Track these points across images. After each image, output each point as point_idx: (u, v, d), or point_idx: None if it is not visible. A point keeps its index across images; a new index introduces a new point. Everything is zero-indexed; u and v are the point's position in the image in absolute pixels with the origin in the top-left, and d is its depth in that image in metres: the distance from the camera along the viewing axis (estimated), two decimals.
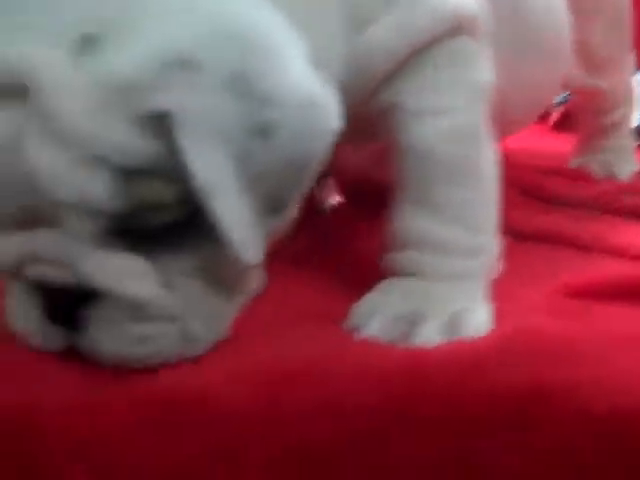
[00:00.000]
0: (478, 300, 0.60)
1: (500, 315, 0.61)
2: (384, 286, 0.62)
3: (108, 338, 0.49)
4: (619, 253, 0.76)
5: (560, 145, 1.14)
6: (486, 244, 0.63)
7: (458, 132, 0.61)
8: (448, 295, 0.60)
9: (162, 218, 0.47)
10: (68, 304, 0.49)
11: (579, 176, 0.98)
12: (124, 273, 0.48)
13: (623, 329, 0.59)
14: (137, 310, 0.49)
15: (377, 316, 0.59)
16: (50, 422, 0.49)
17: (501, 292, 0.64)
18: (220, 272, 0.51)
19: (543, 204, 0.89)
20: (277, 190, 0.48)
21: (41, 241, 0.48)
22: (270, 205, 0.48)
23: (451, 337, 0.57)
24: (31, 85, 0.44)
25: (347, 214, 0.83)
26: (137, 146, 0.45)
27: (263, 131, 0.46)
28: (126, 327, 0.49)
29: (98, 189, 0.45)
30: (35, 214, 0.47)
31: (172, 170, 0.45)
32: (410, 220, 0.61)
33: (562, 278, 0.69)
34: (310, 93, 0.48)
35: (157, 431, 0.50)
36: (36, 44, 0.45)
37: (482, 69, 0.63)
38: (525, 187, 0.91)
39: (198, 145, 0.45)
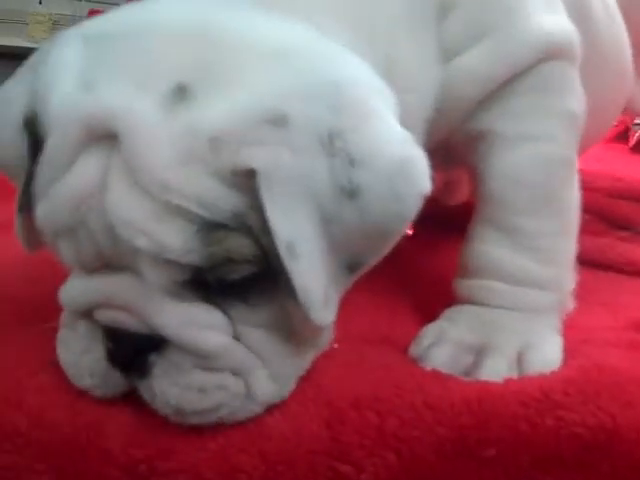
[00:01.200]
0: (549, 334, 0.60)
1: (570, 349, 0.60)
2: (451, 314, 0.62)
3: (170, 384, 0.48)
4: None
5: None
6: (562, 278, 0.61)
7: (549, 160, 0.61)
8: (518, 327, 0.59)
9: (239, 272, 0.46)
10: (133, 349, 0.48)
11: None
12: (195, 323, 0.47)
13: None
14: (203, 359, 0.47)
15: (442, 346, 0.58)
16: None
17: (572, 324, 0.63)
18: (292, 327, 0.49)
19: (618, 231, 0.87)
20: (359, 252, 0.46)
21: (116, 287, 0.47)
22: (349, 266, 0.47)
23: (518, 373, 0.56)
24: (121, 132, 0.44)
25: (415, 242, 0.82)
26: (220, 200, 0.44)
27: (351, 192, 0.44)
28: (189, 375, 0.48)
29: (177, 241, 0.44)
30: (113, 260, 0.47)
31: (254, 227, 0.44)
32: (487, 246, 0.60)
33: (637, 311, 0.67)
34: (401, 156, 0.46)
35: None
36: (130, 91, 0.45)
37: (575, 97, 0.62)
38: (600, 212, 0.89)
39: (282, 204, 0.43)
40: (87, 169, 0.45)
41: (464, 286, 0.62)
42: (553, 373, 0.56)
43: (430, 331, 0.60)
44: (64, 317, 0.52)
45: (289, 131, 0.43)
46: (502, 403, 0.53)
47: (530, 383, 0.55)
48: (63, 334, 0.52)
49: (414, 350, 0.59)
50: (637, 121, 1.21)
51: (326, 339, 0.53)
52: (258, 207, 0.43)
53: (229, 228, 0.44)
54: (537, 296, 0.60)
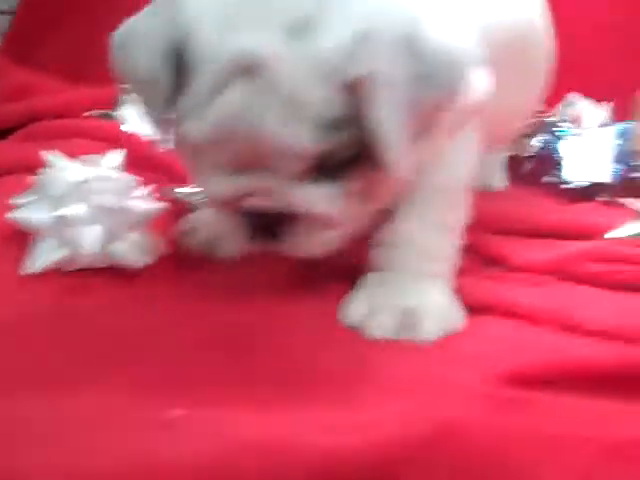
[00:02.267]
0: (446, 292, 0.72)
1: (427, 405, 0.53)
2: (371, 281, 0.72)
3: (304, 243, 0.66)
4: (580, 330, 0.68)
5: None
6: (453, 250, 0.74)
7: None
8: (432, 290, 0.71)
9: (347, 155, 0.62)
10: (271, 222, 0.65)
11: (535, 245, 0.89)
12: (317, 199, 0.64)
13: (572, 427, 0.52)
14: (324, 223, 0.65)
15: (378, 314, 0.68)
16: None
17: (434, 374, 0.58)
18: (373, 193, 0.66)
19: (498, 269, 0.81)
20: (429, 122, 0.63)
21: (257, 180, 0.63)
22: (419, 134, 0.62)
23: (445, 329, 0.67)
24: (260, 65, 0.58)
25: None
26: (338, 104, 0.60)
27: (425, 79, 0.60)
28: (316, 235, 0.66)
29: (308, 140, 0.60)
30: (252, 162, 0.62)
31: (361, 118, 0.60)
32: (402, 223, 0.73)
33: (509, 360, 0.61)
34: (459, 52, 0.63)
35: None
36: (259, 31, 0.59)
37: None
38: (480, 251, 0.84)
39: (381, 98, 0.59)
40: (235, 94, 0.59)
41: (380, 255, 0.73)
42: (400, 435, 0.48)
43: (356, 301, 0.71)
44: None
45: (380, 44, 0.59)
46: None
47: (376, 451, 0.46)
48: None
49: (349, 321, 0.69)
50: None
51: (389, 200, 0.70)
52: (363, 103, 0.59)
53: (344, 123, 0.60)
54: (438, 266, 0.73)
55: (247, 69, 0.58)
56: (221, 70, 0.59)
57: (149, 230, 0.78)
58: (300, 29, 0.59)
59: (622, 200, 0.96)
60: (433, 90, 0.61)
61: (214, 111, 0.60)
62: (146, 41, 0.62)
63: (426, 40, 0.61)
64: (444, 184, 0.72)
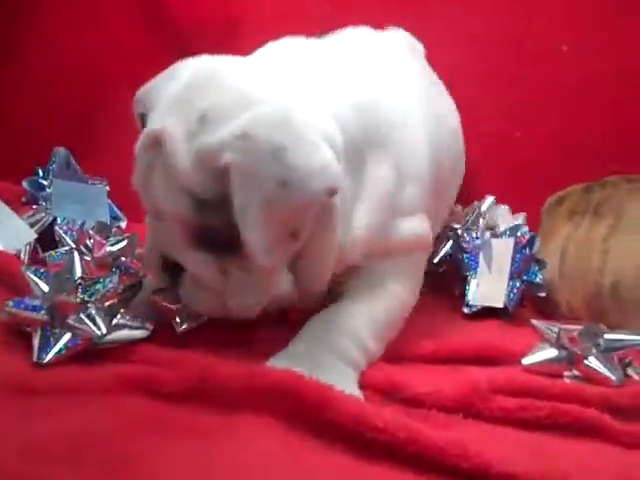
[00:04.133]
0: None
1: None
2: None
3: (189, 295, 0.78)
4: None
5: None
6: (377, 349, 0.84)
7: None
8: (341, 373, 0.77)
9: (220, 232, 0.73)
10: (175, 268, 0.79)
11: (441, 373, 0.82)
12: (199, 264, 0.76)
13: None
14: (204, 285, 0.77)
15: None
16: None
17: None
18: (254, 272, 0.76)
19: (403, 407, 0.73)
20: (295, 224, 0.73)
21: (159, 234, 0.78)
22: (289, 231, 0.72)
23: None
24: (163, 145, 0.73)
25: None
26: (210, 185, 0.72)
27: (284, 183, 0.70)
28: (197, 292, 0.78)
29: (185, 209, 0.73)
30: (159, 214, 0.77)
31: (227, 201, 0.71)
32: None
33: None
34: (319, 164, 0.71)
35: None
36: (170, 121, 0.74)
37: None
38: (382, 388, 0.76)
39: (242, 185, 0.70)
40: (143, 161, 0.76)
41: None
42: None
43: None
44: None
45: (250, 143, 0.70)
46: None
47: None
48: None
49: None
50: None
51: (279, 287, 0.78)
52: (230, 190, 0.71)
53: (214, 202, 0.72)
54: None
55: (153, 144, 0.75)
56: (141, 141, 0.76)
57: None
58: (200, 122, 0.72)
59: (533, 321, 0.88)
60: (290, 196, 0.70)
61: (135, 171, 0.78)
62: (137, 106, 0.83)
63: (293, 151, 0.70)
64: (394, 293, 0.85)
